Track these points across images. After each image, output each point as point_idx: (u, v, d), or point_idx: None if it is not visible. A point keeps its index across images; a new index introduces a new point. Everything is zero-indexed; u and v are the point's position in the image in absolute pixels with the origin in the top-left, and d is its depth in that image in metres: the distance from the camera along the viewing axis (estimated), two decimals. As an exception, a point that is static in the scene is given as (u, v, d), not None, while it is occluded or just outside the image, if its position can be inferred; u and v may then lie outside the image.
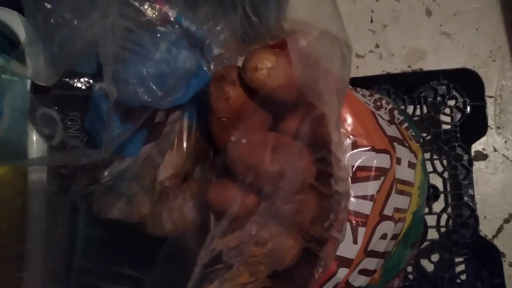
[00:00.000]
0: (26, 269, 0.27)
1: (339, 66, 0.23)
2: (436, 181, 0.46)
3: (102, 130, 0.28)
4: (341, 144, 0.23)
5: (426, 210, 0.45)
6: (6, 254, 0.28)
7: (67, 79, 0.25)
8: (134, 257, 0.29)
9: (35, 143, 0.29)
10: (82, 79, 0.24)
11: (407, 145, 0.31)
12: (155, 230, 0.31)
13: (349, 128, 0.27)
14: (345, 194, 0.22)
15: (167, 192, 0.31)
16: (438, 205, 0.46)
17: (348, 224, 0.25)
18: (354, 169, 0.26)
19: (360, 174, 0.26)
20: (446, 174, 0.45)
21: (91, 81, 0.24)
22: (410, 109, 0.47)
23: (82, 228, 0.31)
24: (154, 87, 0.26)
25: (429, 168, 0.45)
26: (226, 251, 0.21)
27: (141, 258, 0.28)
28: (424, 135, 0.45)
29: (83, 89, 0.24)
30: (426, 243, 0.45)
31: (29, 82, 0.28)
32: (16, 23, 0.29)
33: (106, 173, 0.29)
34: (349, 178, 0.24)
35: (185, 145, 0.31)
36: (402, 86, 0.46)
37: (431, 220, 0.45)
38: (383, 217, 0.28)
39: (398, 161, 0.29)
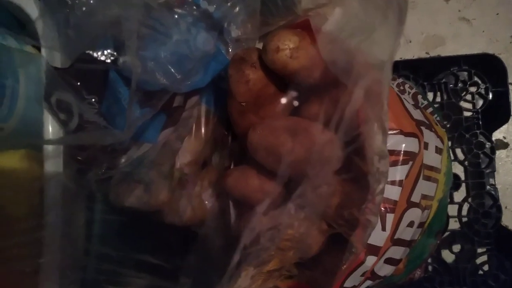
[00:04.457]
0: (44, 254, 0.27)
1: (396, 21, 0.21)
2: (457, 169, 0.45)
3: (119, 115, 0.27)
4: (387, 113, 0.21)
5: (447, 199, 0.44)
6: (25, 239, 0.27)
7: (89, 52, 0.24)
8: (155, 244, 0.28)
9: (51, 129, 0.28)
10: (105, 52, 0.23)
11: (433, 130, 0.30)
12: (173, 218, 0.30)
13: (376, 111, 0.25)
14: (385, 174, 0.21)
15: (186, 179, 0.30)
16: (459, 195, 0.45)
17: (376, 210, 0.24)
18: (382, 153, 0.25)
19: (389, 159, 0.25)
20: (467, 163, 0.44)
21: (115, 53, 0.23)
22: (430, 96, 0.45)
23: (100, 214, 0.30)
24: (172, 70, 0.26)
25: (450, 156, 0.44)
26: (265, 232, 0.20)
27: (161, 245, 0.28)
28: (445, 122, 0.44)
29: (106, 63, 0.23)
30: (447, 233, 0.44)
31: (44, 65, 0.27)
32: (29, 4, 0.28)
33: (123, 159, 0.28)
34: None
35: (203, 131, 0.30)
36: (421, 72, 0.45)
37: (452, 209, 0.43)
38: (411, 204, 0.27)
39: (426, 146, 0.28)
